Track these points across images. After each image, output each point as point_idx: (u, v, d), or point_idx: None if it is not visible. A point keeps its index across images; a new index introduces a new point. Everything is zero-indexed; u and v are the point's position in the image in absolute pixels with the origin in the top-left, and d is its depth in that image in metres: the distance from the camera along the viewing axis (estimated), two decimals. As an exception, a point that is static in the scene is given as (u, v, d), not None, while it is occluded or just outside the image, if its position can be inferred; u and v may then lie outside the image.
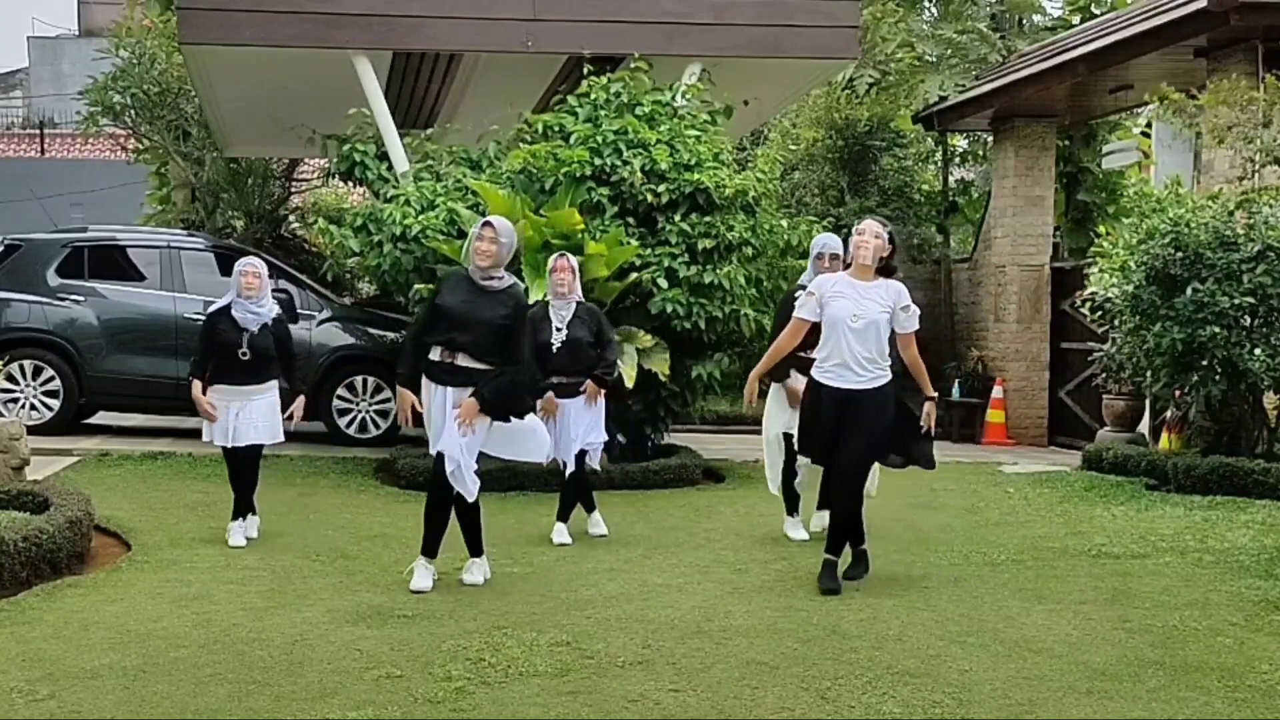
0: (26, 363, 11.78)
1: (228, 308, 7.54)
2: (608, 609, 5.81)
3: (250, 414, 7.53)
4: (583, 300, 7.92)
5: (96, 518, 7.22)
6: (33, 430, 9.32)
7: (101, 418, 12.78)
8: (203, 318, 11.89)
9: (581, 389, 7.71)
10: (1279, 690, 4.69)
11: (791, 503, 7.84)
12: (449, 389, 6.15)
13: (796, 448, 6.89)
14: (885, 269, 6.34)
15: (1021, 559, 7.14)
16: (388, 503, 9.07)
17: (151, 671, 4.76)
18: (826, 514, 7.61)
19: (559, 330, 7.66)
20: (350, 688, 4.60)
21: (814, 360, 6.42)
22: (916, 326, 6.37)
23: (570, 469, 7.79)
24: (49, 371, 11.81)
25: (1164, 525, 8.18)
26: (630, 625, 5.50)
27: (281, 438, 7.79)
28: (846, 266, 6.52)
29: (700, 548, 7.47)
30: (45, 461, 9.86)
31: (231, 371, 7.48)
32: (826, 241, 7.66)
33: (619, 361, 9.54)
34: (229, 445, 7.55)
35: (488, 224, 6.25)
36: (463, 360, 6.12)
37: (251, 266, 7.60)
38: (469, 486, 6.22)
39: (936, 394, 6.77)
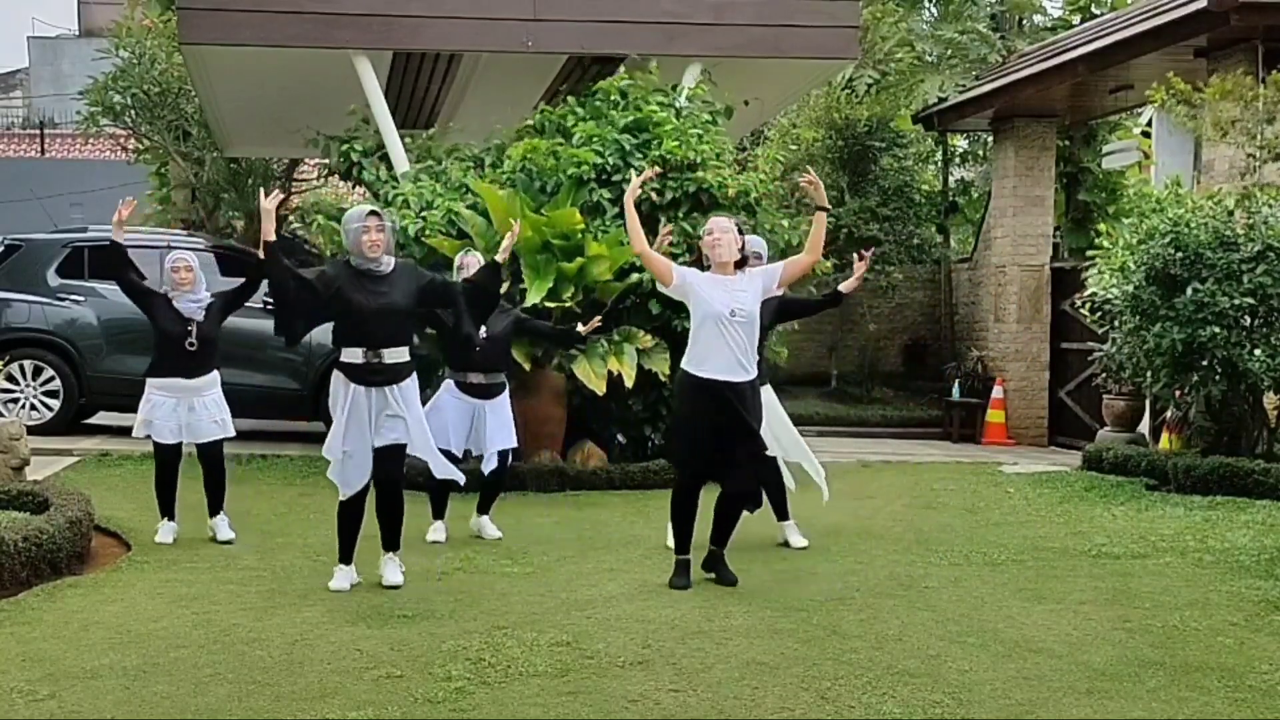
0: (26, 363, 11.79)
1: (166, 298, 7.41)
2: (608, 609, 5.80)
3: (205, 409, 7.44)
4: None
5: (96, 518, 7.22)
6: (33, 430, 9.32)
7: (101, 418, 12.78)
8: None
9: (501, 390, 7.71)
10: (1279, 690, 4.69)
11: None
12: (376, 389, 6.10)
13: (677, 450, 6.46)
14: (741, 262, 6.30)
15: (1022, 559, 7.14)
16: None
17: (151, 671, 4.76)
18: (790, 524, 7.56)
19: (481, 329, 7.55)
20: (350, 688, 4.60)
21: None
22: (781, 265, 6.43)
23: (492, 466, 7.78)
24: (49, 371, 11.81)
25: (1164, 525, 8.17)
26: (630, 625, 5.50)
27: (233, 432, 7.67)
28: (705, 268, 6.36)
29: (700, 548, 7.43)
30: (45, 461, 9.86)
31: (179, 365, 7.36)
32: (750, 241, 7.56)
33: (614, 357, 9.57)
34: (175, 442, 7.40)
35: (374, 213, 6.17)
36: (389, 356, 6.10)
37: (183, 261, 7.47)
38: (454, 472, 6.50)
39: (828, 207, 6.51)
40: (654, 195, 10.26)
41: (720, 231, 6.24)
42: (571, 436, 10.34)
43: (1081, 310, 11.78)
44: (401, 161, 11.26)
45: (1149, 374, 10.18)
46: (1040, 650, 5.17)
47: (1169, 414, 11.18)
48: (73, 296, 12.02)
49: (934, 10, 17.15)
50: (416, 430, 6.21)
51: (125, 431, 12.46)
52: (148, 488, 9.32)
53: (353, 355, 6.11)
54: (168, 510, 7.51)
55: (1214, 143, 10.72)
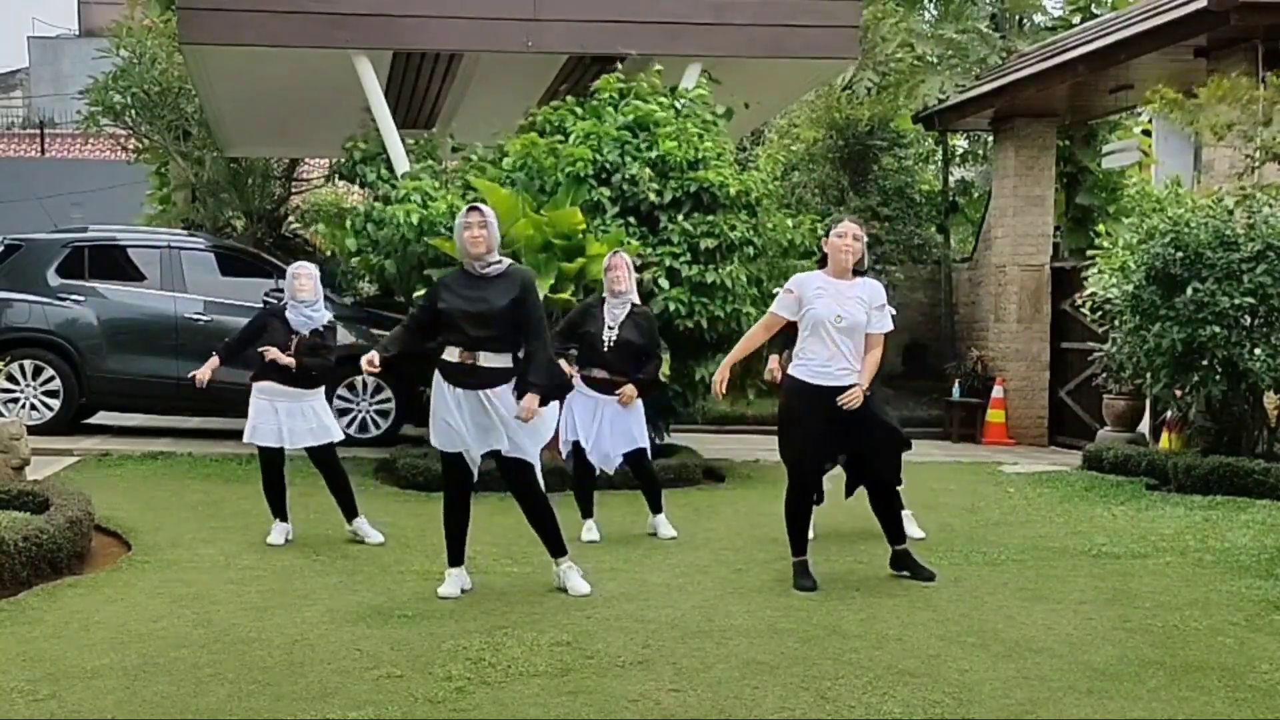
0: (26, 363, 11.79)
1: (283, 309, 7.53)
2: (608, 609, 5.81)
3: (304, 415, 7.48)
4: (638, 303, 7.95)
5: (96, 518, 7.22)
6: (33, 430, 9.32)
7: (101, 418, 12.78)
8: (203, 318, 12.05)
9: (619, 391, 7.76)
10: (1279, 690, 4.69)
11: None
12: (468, 391, 5.94)
13: (786, 452, 6.49)
14: (859, 270, 6.40)
15: (1022, 559, 7.14)
16: (388, 502, 9.06)
17: (151, 671, 4.77)
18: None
19: (611, 329, 7.68)
20: (350, 688, 4.60)
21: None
22: (889, 328, 6.40)
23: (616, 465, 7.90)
24: (49, 371, 11.82)
25: (1164, 525, 8.18)
26: (630, 625, 5.50)
27: (340, 435, 7.74)
28: (822, 264, 6.51)
29: (700, 548, 7.47)
30: (45, 461, 9.86)
31: (277, 371, 7.44)
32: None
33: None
34: (276, 446, 7.47)
35: (474, 209, 6.04)
36: (485, 360, 5.92)
37: (304, 269, 7.61)
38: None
39: (867, 390, 6.46)
40: (653, 195, 10.25)
41: (850, 237, 6.32)
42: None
43: (1082, 309, 11.78)
44: (401, 161, 11.26)
45: (1149, 374, 10.18)
46: (1040, 650, 5.18)
47: (1169, 414, 11.18)
48: (73, 296, 12.02)
49: (934, 10, 17.14)
50: (517, 434, 6.00)
51: (125, 431, 12.50)
52: (148, 488, 9.37)
53: (449, 354, 5.99)
54: (278, 512, 7.54)
55: (1213, 145, 10.72)
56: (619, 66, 11.05)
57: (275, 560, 6.92)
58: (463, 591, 6.13)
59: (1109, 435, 12.56)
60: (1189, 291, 9.55)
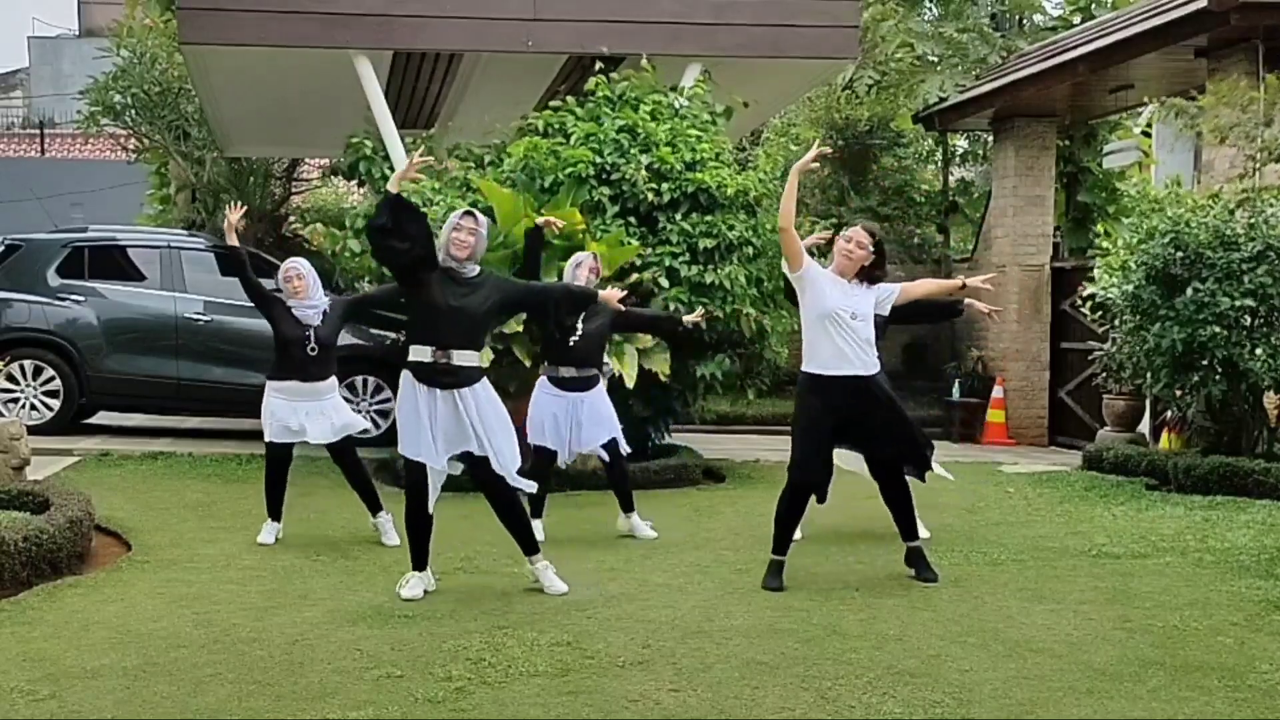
0: (26, 363, 11.78)
1: (286, 304, 7.46)
2: (608, 609, 5.81)
3: (323, 413, 7.45)
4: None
5: (96, 518, 7.23)
6: (33, 430, 9.31)
7: (101, 418, 12.78)
8: (203, 318, 12.05)
9: (595, 383, 7.78)
10: (1279, 690, 4.69)
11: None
12: (441, 391, 5.96)
13: (802, 456, 6.43)
14: (871, 278, 6.36)
15: (1022, 559, 7.14)
16: (387, 502, 8.99)
17: (151, 671, 4.77)
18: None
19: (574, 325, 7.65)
20: (350, 688, 4.60)
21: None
22: (899, 288, 6.51)
23: (606, 460, 7.94)
24: (49, 371, 11.81)
25: (1164, 525, 8.18)
26: (630, 625, 5.50)
27: (363, 424, 7.79)
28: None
29: (700, 548, 7.47)
30: (45, 461, 9.86)
31: (298, 368, 7.39)
32: None
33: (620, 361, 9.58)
34: (286, 442, 7.47)
35: (469, 214, 6.07)
36: (458, 359, 5.96)
37: (294, 269, 7.51)
38: (524, 485, 6.24)
39: (962, 282, 7.12)
40: (651, 195, 10.26)
41: (854, 244, 6.29)
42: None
43: (1082, 309, 11.77)
44: (402, 161, 11.25)
45: (1149, 374, 10.17)
46: (1040, 650, 5.18)
47: (1169, 414, 11.17)
48: (73, 296, 12.02)
49: (934, 10, 17.14)
50: (489, 436, 6.00)
51: (125, 431, 12.50)
52: (148, 488, 9.37)
53: (419, 354, 5.97)
54: (274, 512, 7.54)
55: (1214, 145, 10.72)
56: (605, 66, 11.05)
57: (275, 560, 6.92)
58: (425, 593, 6.08)
59: (1109, 435, 12.55)
60: (1189, 291, 9.55)
